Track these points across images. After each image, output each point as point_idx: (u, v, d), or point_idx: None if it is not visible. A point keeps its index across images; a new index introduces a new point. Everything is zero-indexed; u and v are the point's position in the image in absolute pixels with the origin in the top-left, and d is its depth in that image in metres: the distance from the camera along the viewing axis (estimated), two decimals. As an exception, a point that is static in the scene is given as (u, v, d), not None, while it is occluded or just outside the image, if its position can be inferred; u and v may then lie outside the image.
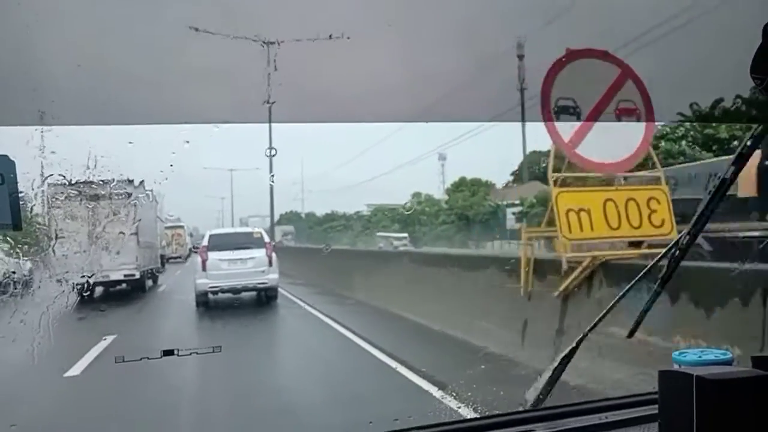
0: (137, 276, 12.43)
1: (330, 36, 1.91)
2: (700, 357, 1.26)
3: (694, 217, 1.37)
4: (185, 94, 1.95)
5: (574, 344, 1.52)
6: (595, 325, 1.54)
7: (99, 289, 11.88)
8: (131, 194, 4.16)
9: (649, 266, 1.47)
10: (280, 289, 13.18)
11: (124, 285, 12.67)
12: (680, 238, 1.37)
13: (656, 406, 1.23)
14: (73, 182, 2.51)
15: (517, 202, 33.48)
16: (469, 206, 37.39)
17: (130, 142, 2.40)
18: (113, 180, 2.86)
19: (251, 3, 1.90)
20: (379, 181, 51.47)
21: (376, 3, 1.90)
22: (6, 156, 1.23)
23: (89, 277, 4.22)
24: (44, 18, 1.64)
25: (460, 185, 40.39)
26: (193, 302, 12.04)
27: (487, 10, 2.07)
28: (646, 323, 1.44)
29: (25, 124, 1.83)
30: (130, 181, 3.15)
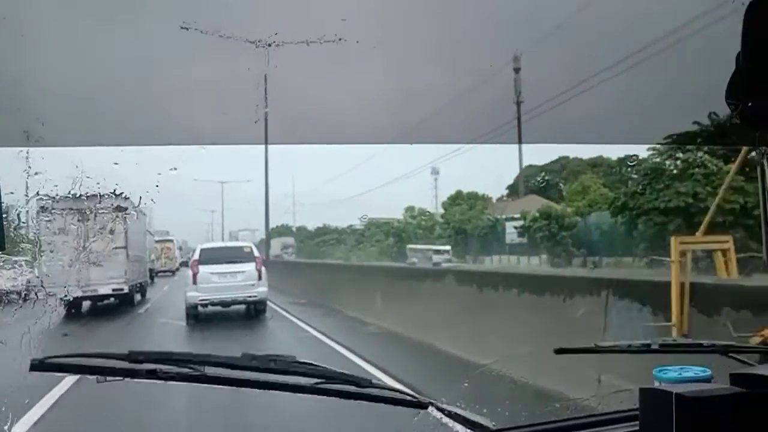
0: (126, 290, 12.42)
1: (322, 55, 1.97)
2: (679, 374, 1.30)
3: None
4: (175, 114, 2.00)
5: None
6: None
7: (86, 304, 11.82)
8: (120, 208, 4.19)
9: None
10: (293, 320, 12.92)
11: (112, 299, 12.63)
12: None
13: (637, 422, 1.26)
14: (60, 197, 2.53)
15: (516, 215, 33.45)
16: (467, 220, 37.32)
17: (116, 163, 2.44)
18: (102, 194, 2.89)
19: (241, 24, 1.95)
20: (371, 196, 51.47)
21: (366, 24, 1.95)
22: None
23: (77, 291, 4.23)
24: (29, 38, 1.68)
25: (457, 199, 40.44)
26: (181, 322, 11.83)
27: (476, 28, 2.13)
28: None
29: (10, 145, 1.87)
30: (119, 195, 3.18)
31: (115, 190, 2.92)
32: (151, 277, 19.45)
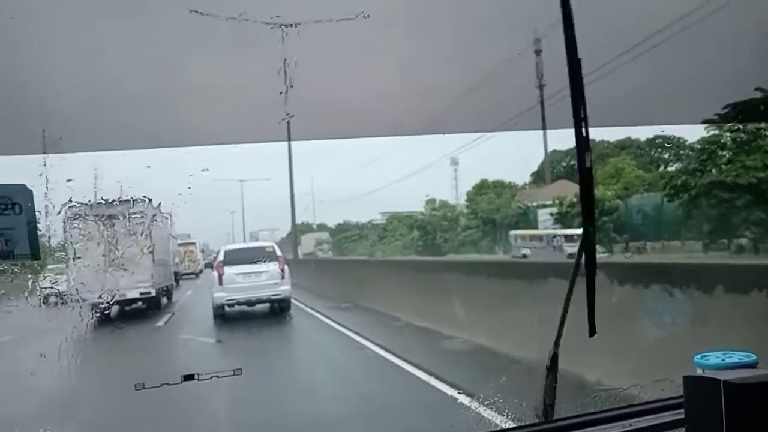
0: (153, 294, 12.73)
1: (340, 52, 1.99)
2: (723, 360, 1.29)
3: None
4: (197, 116, 2.04)
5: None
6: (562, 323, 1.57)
7: (114, 308, 12.10)
8: (146, 213, 4.29)
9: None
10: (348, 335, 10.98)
11: (140, 303, 12.92)
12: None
13: (681, 411, 1.26)
14: (93, 203, 2.60)
15: (548, 202, 32.72)
16: (495, 209, 36.51)
17: (148, 166, 2.51)
18: (129, 200, 2.98)
19: (257, 22, 1.97)
20: (390, 190, 51.16)
21: (382, 16, 1.97)
22: (24, 185, 1.27)
23: (108, 297, 4.36)
24: (54, 48, 1.73)
25: (482, 188, 39.76)
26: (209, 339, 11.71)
27: (494, 13, 2.13)
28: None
29: (40, 153, 1.94)
30: (145, 200, 3.27)
31: (141, 196, 3.01)
32: (177, 280, 19.87)
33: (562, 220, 30.65)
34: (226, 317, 12.93)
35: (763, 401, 1.18)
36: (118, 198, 2.58)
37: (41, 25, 1.75)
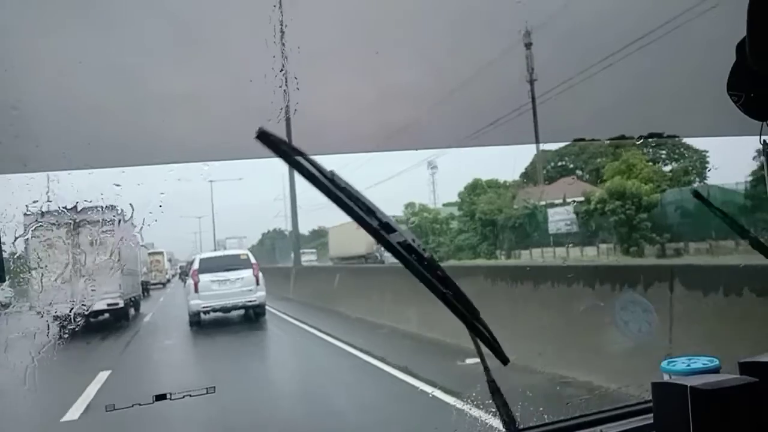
0: (121, 305, 12.75)
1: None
2: (688, 365, 1.41)
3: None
4: (171, 131, 2.14)
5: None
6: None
7: (79, 321, 12.03)
8: (112, 220, 4.36)
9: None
10: None
11: (107, 315, 12.93)
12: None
13: (650, 416, 1.38)
14: (47, 210, 2.67)
15: (557, 201, 31.40)
16: (496, 210, 35.36)
17: (117, 185, 2.60)
18: (93, 207, 3.06)
19: (240, 38, 2.09)
20: (366, 194, 51.13)
21: (350, 30, 2.09)
22: None
23: (70, 308, 4.41)
24: (23, 62, 1.82)
25: (476, 188, 39.03)
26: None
27: (472, 16, 2.25)
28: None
29: (9, 172, 2.06)
30: (112, 207, 3.35)
31: (107, 204, 3.09)
32: (146, 290, 19.91)
33: (587, 218, 29.13)
34: (201, 333, 13.38)
35: (728, 405, 1.30)
36: (75, 206, 2.66)
37: (9, 39, 1.83)
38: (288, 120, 2.16)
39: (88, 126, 2.07)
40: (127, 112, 2.16)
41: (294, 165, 1.13)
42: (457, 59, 2.43)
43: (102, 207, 3.17)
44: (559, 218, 30.39)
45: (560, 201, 31.49)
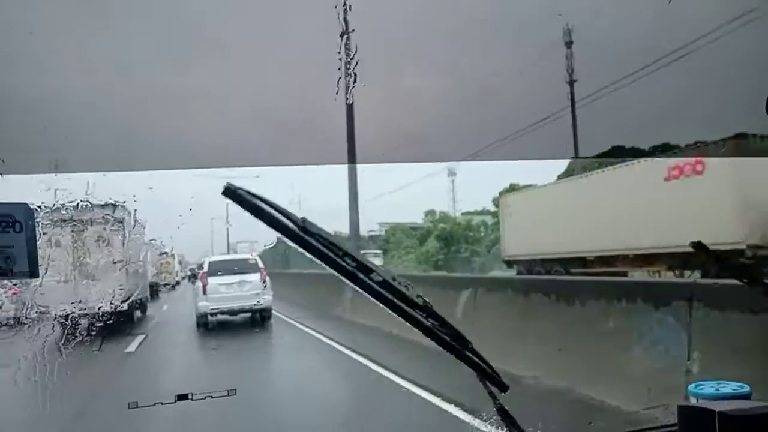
0: (125, 307, 12.79)
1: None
2: (717, 390, 1.38)
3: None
4: (201, 136, 2.21)
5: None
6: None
7: (83, 322, 12.07)
8: (119, 219, 4.37)
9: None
10: None
11: (110, 317, 12.99)
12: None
13: None
14: (47, 207, 2.70)
15: None
16: None
17: (150, 188, 2.71)
18: (100, 204, 3.07)
19: (259, 48, 2.13)
20: (383, 201, 51.96)
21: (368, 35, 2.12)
22: (25, 204, 1.43)
23: (71, 309, 4.43)
24: (61, 71, 1.88)
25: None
26: None
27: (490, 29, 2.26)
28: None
29: (42, 172, 2.15)
30: (119, 205, 3.36)
31: (114, 200, 3.10)
32: (156, 292, 20.08)
33: None
34: (214, 345, 13.45)
35: None
36: (78, 202, 2.67)
37: (42, 43, 1.88)
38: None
39: (121, 130, 2.15)
40: (160, 118, 2.24)
41: (263, 217, 1.16)
42: (473, 72, 2.46)
43: (110, 205, 3.18)
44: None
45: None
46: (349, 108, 2.39)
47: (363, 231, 48.71)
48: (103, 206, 3.11)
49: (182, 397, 2.78)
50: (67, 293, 4.42)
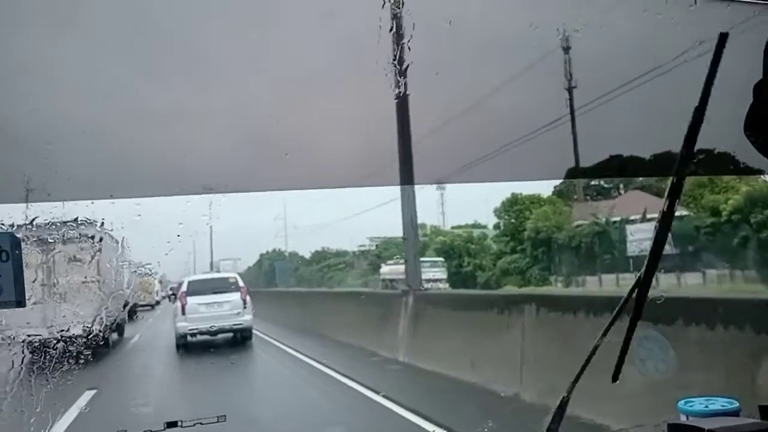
0: (98, 330, 12.71)
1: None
2: (706, 407, 1.44)
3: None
4: (191, 164, 2.30)
5: (566, 393, 1.67)
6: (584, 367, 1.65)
7: (51, 347, 11.94)
8: (93, 236, 4.38)
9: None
10: None
11: (82, 341, 12.89)
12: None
13: None
14: (13, 225, 2.76)
15: (634, 217, 27.54)
16: (554, 227, 31.52)
17: (139, 215, 2.84)
18: (69, 221, 3.12)
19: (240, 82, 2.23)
20: (369, 216, 52.31)
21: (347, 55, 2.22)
22: (11, 233, 1.51)
23: (40, 332, 4.43)
24: (49, 95, 1.96)
25: (514, 204, 35.57)
26: None
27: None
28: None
29: (32, 201, 2.24)
30: (91, 223, 3.40)
31: (86, 218, 3.15)
32: (135, 311, 19.89)
33: (712, 236, 25.10)
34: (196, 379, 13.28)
35: None
36: (47, 221, 2.73)
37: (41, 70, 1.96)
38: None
39: (109, 158, 2.24)
40: (147, 144, 2.34)
41: None
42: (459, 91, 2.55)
43: (82, 222, 3.23)
44: (643, 236, 25.98)
45: (638, 216, 27.30)
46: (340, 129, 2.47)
47: (352, 246, 49.03)
48: (75, 223, 3.16)
49: (171, 424, 2.88)
50: (31, 316, 4.40)
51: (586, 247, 29.64)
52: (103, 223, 3.58)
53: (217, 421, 3.00)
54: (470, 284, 33.89)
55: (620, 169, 2.96)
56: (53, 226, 3.07)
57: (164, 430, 2.88)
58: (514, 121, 2.69)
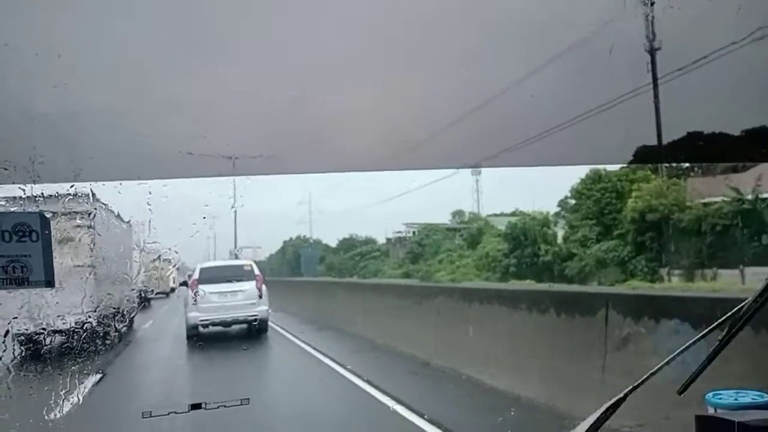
0: (93, 322, 12.74)
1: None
2: (736, 399, 1.59)
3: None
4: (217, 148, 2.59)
5: (621, 395, 1.82)
6: (649, 377, 1.77)
7: (39, 341, 12.18)
8: (90, 213, 4.50)
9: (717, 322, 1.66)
10: None
11: (73, 335, 13.03)
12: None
13: None
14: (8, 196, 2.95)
15: None
16: (674, 207, 28.29)
17: (166, 197, 3.66)
18: (65, 195, 3.29)
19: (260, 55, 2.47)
20: (399, 202, 53.55)
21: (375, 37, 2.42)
22: (41, 213, 1.73)
23: (25, 325, 4.65)
24: (81, 75, 2.22)
25: (598, 181, 32.83)
26: None
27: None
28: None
29: (62, 181, 2.62)
30: (88, 196, 3.59)
31: (82, 191, 3.36)
32: (147, 300, 20.19)
33: None
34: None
35: None
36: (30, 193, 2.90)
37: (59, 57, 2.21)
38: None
39: (135, 140, 2.53)
40: (174, 126, 2.67)
41: None
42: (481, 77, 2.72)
43: (77, 195, 3.35)
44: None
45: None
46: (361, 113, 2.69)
47: (384, 232, 49.27)
48: (69, 196, 3.25)
49: (196, 406, 3.37)
50: (15, 303, 4.62)
51: (722, 231, 26.18)
52: (94, 194, 3.80)
53: (241, 404, 3.45)
54: (546, 277, 31.15)
55: (703, 151, 3.03)
56: (48, 198, 3.21)
57: (188, 411, 3.41)
58: (559, 104, 2.84)
